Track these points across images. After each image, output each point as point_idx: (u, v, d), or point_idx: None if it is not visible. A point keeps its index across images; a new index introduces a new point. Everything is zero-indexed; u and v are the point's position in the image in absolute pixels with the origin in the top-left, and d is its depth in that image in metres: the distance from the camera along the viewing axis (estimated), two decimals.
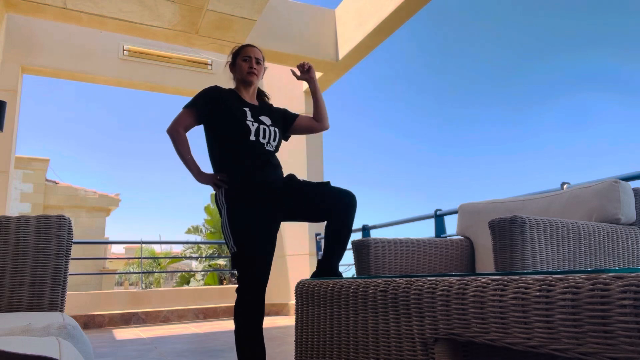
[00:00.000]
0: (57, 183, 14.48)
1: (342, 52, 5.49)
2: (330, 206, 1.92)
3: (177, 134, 1.96)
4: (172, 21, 4.51)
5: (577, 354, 0.61)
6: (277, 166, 2.03)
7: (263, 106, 2.13)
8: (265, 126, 1.99)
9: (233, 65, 2.13)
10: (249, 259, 1.91)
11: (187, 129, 1.99)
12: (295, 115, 2.21)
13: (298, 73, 2.19)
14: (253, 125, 1.96)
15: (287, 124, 2.16)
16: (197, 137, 2.08)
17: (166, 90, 6.24)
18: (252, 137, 1.95)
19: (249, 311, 1.94)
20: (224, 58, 6.62)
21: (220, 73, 6.19)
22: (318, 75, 5.96)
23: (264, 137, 1.98)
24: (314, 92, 2.20)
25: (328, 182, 1.99)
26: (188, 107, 1.99)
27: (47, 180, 14.04)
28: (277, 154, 2.06)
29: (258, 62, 2.11)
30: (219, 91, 2.05)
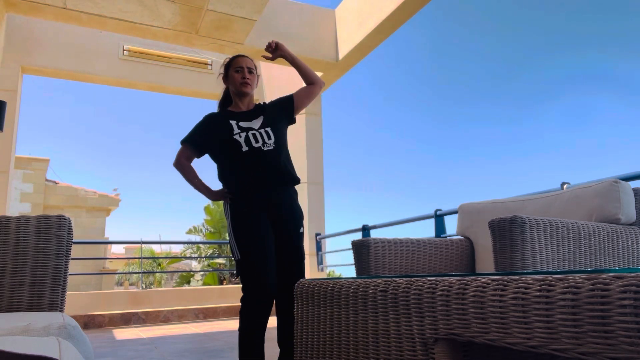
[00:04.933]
0: (57, 183, 14.47)
1: (342, 52, 5.49)
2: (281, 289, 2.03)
3: (179, 165, 2.11)
4: (172, 21, 4.51)
5: (577, 354, 0.61)
6: (280, 168, 2.02)
7: (256, 109, 2.14)
8: (254, 131, 2.02)
9: (226, 78, 2.15)
10: (252, 264, 1.93)
11: (190, 159, 2.12)
12: (291, 96, 2.21)
13: (270, 55, 2.18)
14: (240, 136, 1.99)
15: (288, 109, 2.18)
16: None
17: (166, 90, 6.24)
18: (245, 148, 1.98)
19: (253, 317, 1.97)
20: (224, 58, 6.62)
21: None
22: (318, 75, 5.96)
23: (256, 142, 1.99)
24: (292, 62, 2.20)
25: (300, 261, 2.06)
26: (183, 142, 2.11)
27: (47, 180, 14.03)
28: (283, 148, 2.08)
29: (250, 72, 2.12)
30: (209, 119, 2.12)
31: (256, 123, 2.05)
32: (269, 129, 2.04)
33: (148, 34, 4.75)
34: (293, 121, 2.20)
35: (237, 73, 2.10)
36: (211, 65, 6.23)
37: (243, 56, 2.16)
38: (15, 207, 12.55)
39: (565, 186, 2.67)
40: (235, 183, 2.02)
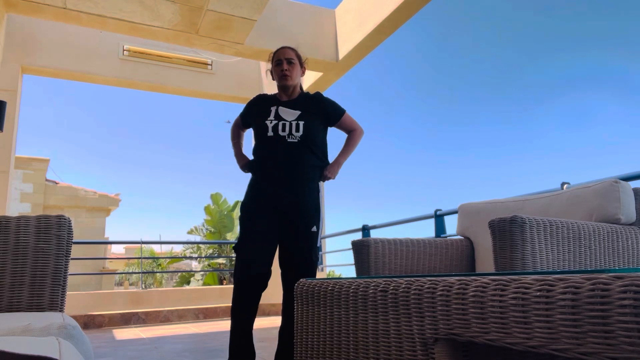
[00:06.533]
0: (57, 183, 14.47)
1: (342, 52, 5.48)
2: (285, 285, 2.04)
3: (232, 128, 2.37)
4: (172, 21, 4.51)
5: (577, 354, 0.61)
6: (299, 159, 2.06)
7: (299, 99, 2.17)
8: (285, 121, 2.07)
9: (272, 73, 2.26)
10: (246, 250, 1.96)
11: (240, 128, 2.37)
12: (341, 115, 2.24)
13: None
14: (272, 122, 2.08)
15: (330, 117, 2.21)
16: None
17: (166, 90, 6.23)
18: (270, 133, 2.06)
19: (242, 308, 1.98)
20: (224, 58, 6.60)
21: (220, 73, 6.18)
22: (318, 75, 5.97)
23: (283, 131, 2.05)
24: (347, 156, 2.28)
25: (311, 257, 2.06)
26: (239, 115, 2.36)
27: (47, 180, 14.02)
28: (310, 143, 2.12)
29: (290, 62, 2.15)
30: (257, 100, 2.27)
31: (292, 115, 2.10)
32: (301, 123, 2.07)
33: (148, 34, 4.74)
34: (328, 124, 2.23)
35: (277, 67, 2.17)
36: (211, 65, 6.22)
37: (283, 48, 2.24)
38: (15, 207, 12.54)
39: (565, 186, 2.67)
40: (255, 162, 2.15)
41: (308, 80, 6.26)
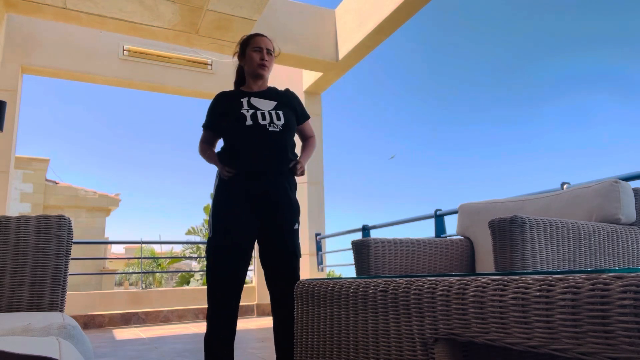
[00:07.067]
0: (57, 183, 14.47)
1: (342, 52, 5.48)
2: (276, 292, 1.95)
3: (199, 147, 2.16)
4: (172, 21, 4.51)
5: (577, 354, 0.61)
6: (283, 149, 1.94)
7: (270, 91, 2.07)
8: (262, 111, 1.94)
9: (242, 56, 2.06)
10: (218, 248, 1.88)
11: (209, 142, 2.14)
12: (304, 120, 2.15)
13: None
14: (249, 112, 1.92)
15: (298, 117, 2.10)
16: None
17: (166, 90, 6.23)
18: (249, 122, 1.89)
19: (218, 314, 1.86)
20: (224, 58, 6.59)
21: (220, 73, 6.18)
22: (318, 75, 5.97)
23: (263, 119, 1.91)
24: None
25: (294, 260, 1.96)
26: (203, 126, 2.14)
27: (47, 180, 14.02)
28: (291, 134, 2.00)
29: (269, 53, 2.03)
30: (220, 98, 2.07)
31: (268, 105, 1.97)
32: (280, 112, 1.96)
33: (148, 34, 4.74)
34: (299, 122, 2.14)
35: (256, 53, 2.01)
36: (211, 65, 6.23)
37: (262, 35, 2.06)
38: (15, 207, 12.55)
39: (565, 186, 2.67)
40: (231, 158, 1.94)
41: (308, 80, 6.26)
